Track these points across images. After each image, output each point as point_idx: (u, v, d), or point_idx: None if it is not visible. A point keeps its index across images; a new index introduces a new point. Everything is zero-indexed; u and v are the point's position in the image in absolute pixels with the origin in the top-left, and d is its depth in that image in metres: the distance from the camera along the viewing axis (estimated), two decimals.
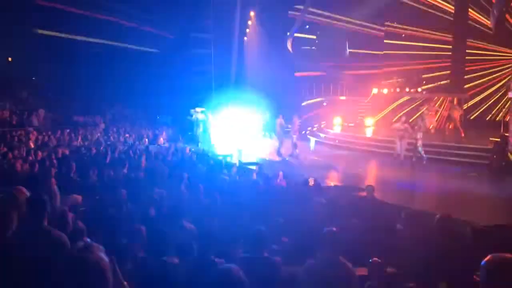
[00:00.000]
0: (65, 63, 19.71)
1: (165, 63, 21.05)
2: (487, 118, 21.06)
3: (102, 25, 19.40)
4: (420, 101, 19.72)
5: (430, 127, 16.53)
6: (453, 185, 10.62)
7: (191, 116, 17.28)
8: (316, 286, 3.01)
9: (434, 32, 21.77)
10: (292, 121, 14.63)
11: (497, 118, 20.50)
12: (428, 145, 13.78)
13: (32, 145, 12.48)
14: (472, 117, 20.49)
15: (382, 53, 23.43)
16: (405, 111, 19.61)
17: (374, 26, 23.09)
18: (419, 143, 12.93)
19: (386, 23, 23.00)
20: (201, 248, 3.26)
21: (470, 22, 20.45)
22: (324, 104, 23.34)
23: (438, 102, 19.22)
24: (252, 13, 23.52)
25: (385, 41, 23.48)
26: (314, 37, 24.42)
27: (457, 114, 16.54)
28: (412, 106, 20.46)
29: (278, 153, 14.59)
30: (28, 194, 3.77)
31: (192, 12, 21.39)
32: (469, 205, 8.59)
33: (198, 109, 17.30)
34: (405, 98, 21.05)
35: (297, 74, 22.82)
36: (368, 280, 3.47)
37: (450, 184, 10.77)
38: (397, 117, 20.95)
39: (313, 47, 24.52)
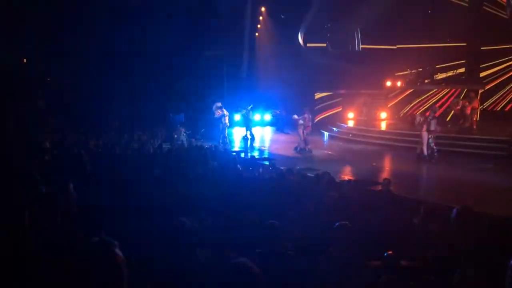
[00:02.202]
0: (79, 63, 19.92)
1: (176, 60, 21.11)
2: (506, 109, 20.59)
3: (114, 25, 19.52)
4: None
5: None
6: (470, 177, 10.46)
7: (213, 113, 16.85)
8: (329, 279, 2.98)
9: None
10: (304, 116, 14.52)
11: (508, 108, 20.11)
12: (443, 137, 13.59)
13: (48, 145, 12.64)
14: (487, 108, 20.05)
15: (395, 47, 23.05)
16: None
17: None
18: (433, 135, 12.74)
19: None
20: (214, 242, 3.26)
21: (484, 11, 20.06)
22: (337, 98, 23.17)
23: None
24: (263, 9, 23.44)
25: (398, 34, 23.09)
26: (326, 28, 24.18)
27: (477, 104, 16.30)
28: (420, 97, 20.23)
29: (296, 149, 14.55)
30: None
31: (202, 10, 21.40)
32: (488, 197, 8.44)
33: (219, 104, 16.77)
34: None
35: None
36: (383, 273, 3.43)
37: (467, 176, 10.61)
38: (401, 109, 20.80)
39: (325, 41, 24.30)
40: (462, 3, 20.77)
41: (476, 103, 16.12)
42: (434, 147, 12.68)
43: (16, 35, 18.07)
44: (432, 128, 12.61)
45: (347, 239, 3.19)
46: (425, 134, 12.50)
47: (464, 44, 20.48)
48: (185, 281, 2.81)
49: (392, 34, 22.25)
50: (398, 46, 22.75)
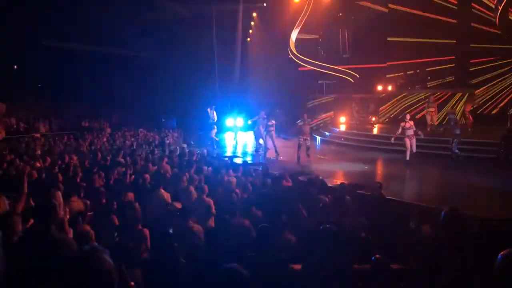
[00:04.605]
0: (69, 69, 19.86)
1: (168, 66, 21.12)
2: (493, 112, 20.86)
3: (102, 31, 19.49)
4: (424, 96, 19.63)
5: (430, 124, 16.69)
6: (460, 179, 10.55)
7: (209, 118, 16.71)
8: (320, 284, 2.99)
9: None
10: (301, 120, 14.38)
11: (496, 111, 20.43)
12: (434, 140, 13.71)
13: (39, 152, 12.57)
14: (478, 111, 20.27)
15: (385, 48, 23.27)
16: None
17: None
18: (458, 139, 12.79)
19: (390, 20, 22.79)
20: (207, 247, 3.26)
21: (473, 13, 20.44)
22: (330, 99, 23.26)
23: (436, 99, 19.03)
24: (254, 14, 23.56)
25: (388, 39, 23.30)
26: (317, 36, 24.37)
27: (469, 107, 16.57)
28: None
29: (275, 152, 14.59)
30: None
31: (194, 15, 21.45)
32: (477, 199, 8.52)
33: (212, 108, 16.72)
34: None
35: (301, 68, 22.78)
36: (374, 276, 3.45)
37: (457, 178, 10.71)
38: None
39: (318, 46, 24.45)
40: (452, 5, 21.13)
41: (468, 106, 16.40)
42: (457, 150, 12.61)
43: (8, 40, 17.98)
44: (458, 132, 12.66)
45: (334, 242, 3.20)
46: (408, 140, 12.48)
47: (454, 44, 20.79)
48: (176, 286, 2.81)
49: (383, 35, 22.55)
50: (390, 39, 22.82)
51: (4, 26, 17.19)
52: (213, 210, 5.37)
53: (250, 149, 16.95)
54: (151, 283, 2.85)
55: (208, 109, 16.69)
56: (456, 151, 12.66)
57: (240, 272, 2.01)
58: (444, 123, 17.34)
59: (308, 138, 13.62)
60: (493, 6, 18.12)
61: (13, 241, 3.04)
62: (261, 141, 15.45)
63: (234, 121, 18.88)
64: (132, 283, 2.34)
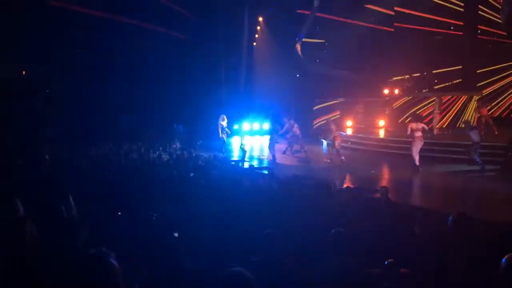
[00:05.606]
0: (78, 75, 20.02)
1: (174, 70, 21.19)
2: (503, 115, 20.67)
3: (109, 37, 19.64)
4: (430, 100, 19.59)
5: (436, 127, 16.68)
6: (468, 183, 10.48)
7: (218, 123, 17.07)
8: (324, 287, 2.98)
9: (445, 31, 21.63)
10: (329, 126, 14.61)
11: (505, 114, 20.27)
12: (443, 144, 13.64)
13: (47, 156, 12.65)
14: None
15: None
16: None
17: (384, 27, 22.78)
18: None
19: (396, 24, 22.73)
20: (213, 252, 3.27)
21: (480, 15, 20.41)
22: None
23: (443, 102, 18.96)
24: (260, 18, 23.60)
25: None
26: (323, 40, 24.37)
27: (485, 111, 16.45)
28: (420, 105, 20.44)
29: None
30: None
31: (199, 19, 21.54)
32: (485, 203, 8.45)
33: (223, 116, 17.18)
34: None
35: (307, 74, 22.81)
36: (383, 281, 3.43)
37: (466, 183, 10.63)
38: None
39: (324, 51, 24.42)
40: (458, 8, 21.11)
41: (483, 110, 16.31)
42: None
43: (15, 46, 18.16)
44: (476, 139, 11.64)
45: (344, 246, 3.20)
46: (415, 145, 12.21)
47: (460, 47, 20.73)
48: None
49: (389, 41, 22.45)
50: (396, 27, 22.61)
51: (14, 33, 17.39)
52: (218, 214, 5.36)
53: (257, 153, 16.97)
54: (155, 287, 2.86)
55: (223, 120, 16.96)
56: (478, 160, 11.52)
57: (246, 276, 2.00)
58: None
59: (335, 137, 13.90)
60: (500, 8, 18.06)
61: (22, 244, 3.07)
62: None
63: (240, 125, 18.93)
64: (137, 286, 2.36)
